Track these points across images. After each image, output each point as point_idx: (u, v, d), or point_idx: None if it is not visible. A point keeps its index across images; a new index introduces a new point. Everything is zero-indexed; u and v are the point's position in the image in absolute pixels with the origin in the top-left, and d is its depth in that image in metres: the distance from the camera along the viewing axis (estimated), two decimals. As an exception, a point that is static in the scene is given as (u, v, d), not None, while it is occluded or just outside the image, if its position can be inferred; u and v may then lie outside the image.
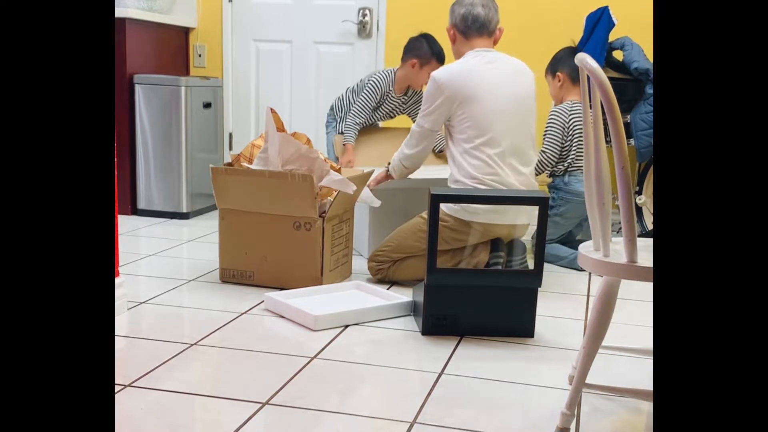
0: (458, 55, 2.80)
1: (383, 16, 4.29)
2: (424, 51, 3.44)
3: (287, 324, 2.36)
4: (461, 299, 2.28)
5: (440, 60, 3.44)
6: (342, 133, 3.62)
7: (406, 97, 3.67)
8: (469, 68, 2.68)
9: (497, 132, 2.63)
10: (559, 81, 3.33)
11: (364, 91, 3.58)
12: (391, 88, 3.59)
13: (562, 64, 3.35)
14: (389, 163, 2.96)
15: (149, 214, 4.04)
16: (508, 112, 2.66)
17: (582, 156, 3.18)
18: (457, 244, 2.69)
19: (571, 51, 3.39)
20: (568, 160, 3.24)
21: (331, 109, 3.76)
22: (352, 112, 3.59)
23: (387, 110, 3.68)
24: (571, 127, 3.22)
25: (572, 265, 3.16)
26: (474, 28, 2.74)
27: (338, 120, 3.72)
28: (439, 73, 2.69)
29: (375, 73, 3.65)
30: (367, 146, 3.63)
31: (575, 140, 3.23)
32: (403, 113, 3.76)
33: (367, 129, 3.70)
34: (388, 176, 2.96)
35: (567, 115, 3.23)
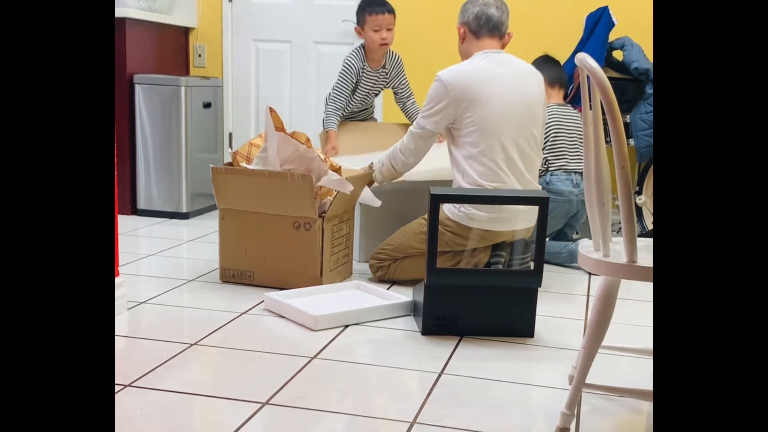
0: (466, 55, 2.75)
1: (383, 16, 4.28)
2: (357, 13, 3.40)
3: (287, 324, 2.36)
4: (461, 299, 2.28)
5: (374, 6, 3.35)
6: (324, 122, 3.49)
7: (384, 70, 3.51)
8: (478, 69, 2.63)
9: (504, 137, 2.59)
10: None
11: (339, 74, 3.46)
12: (365, 63, 3.44)
13: (540, 71, 3.34)
14: (371, 166, 2.91)
15: (149, 214, 4.04)
16: (516, 116, 2.61)
17: (560, 156, 3.26)
18: (458, 248, 2.68)
19: (545, 59, 3.43)
20: (545, 161, 3.25)
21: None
22: (330, 97, 3.46)
23: (368, 87, 3.52)
24: (546, 127, 3.25)
25: (569, 261, 3.15)
26: (486, 29, 2.69)
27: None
28: (445, 73, 2.62)
29: (348, 54, 3.51)
30: (352, 136, 3.51)
31: (549, 140, 3.25)
32: (387, 87, 3.60)
33: (359, 124, 3.59)
34: (371, 180, 2.91)
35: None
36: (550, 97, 3.36)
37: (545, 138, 3.24)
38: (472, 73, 2.62)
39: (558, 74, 3.39)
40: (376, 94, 3.64)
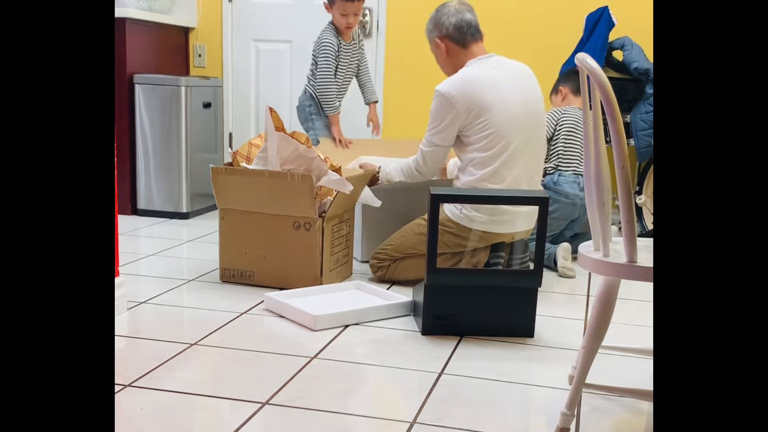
0: (456, 67, 2.70)
1: (383, 16, 4.29)
2: None
3: (287, 324, 2.36)
4: (461, 299, 2.28)
5: None
6: (323, 110, 3.48)
7: (354, 42, 3.54)
8: (478, 75, 2.61)
9: (513, 139, 2.58)
10: (561, 95, 3.44)
11: (320, 54, 3.44)
12: (339, 38, 3.46)
13: (564, 81, 3.46)
14: (377, 171, 2.93)
15: (149, 214, 4.04)
16: (522, 117, 2.61)
17: (571, 157, 3.26)
18: (458, 248, 2.68)
19: (576, 72, 3.46)
20: (554, 161, 3.25)
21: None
22: (319, 81, 3.44)
23: (346, 62, 3.52)
24: (559, 127, 3.28)
25: (546, 263, 3.12)
26: (470, 34, 2.67)
27: (306, 116, 3.55)
28: (445, 87, 2.59)
29: (321, 33, 3.50)
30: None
31: (561, 140, 3.26)
32: (362, 63, 3.63)
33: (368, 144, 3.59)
34: (375, 178, 2.94)
35: (559, 115, 3.31)
36: (573, 103, 3.41)
37: (556, 137, 3.26)
38: (474, 80, 2.60)
39: None
40: (354, 73, 3.63)
